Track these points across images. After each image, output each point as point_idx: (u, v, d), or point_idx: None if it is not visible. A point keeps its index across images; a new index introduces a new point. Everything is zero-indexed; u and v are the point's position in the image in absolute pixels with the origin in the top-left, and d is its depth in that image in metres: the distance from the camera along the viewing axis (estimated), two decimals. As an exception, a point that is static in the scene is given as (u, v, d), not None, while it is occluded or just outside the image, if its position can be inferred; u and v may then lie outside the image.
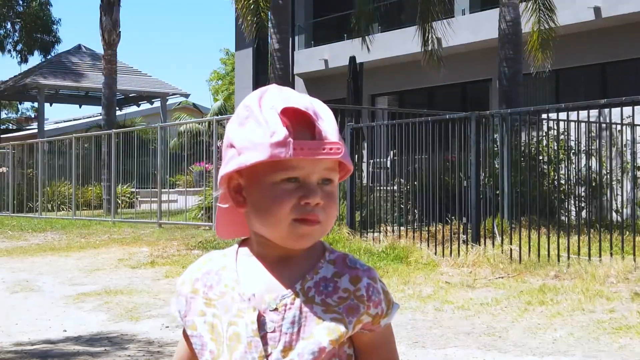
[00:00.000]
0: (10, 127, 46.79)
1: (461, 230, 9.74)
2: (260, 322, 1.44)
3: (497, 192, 10.58)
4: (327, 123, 1.44)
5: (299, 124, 1.40)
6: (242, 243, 1.56)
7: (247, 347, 1.44)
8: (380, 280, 1.51)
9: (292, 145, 1.38)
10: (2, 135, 34.95)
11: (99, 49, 25.79)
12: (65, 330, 6.44)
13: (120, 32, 22.40)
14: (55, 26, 39.33)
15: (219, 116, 17.60)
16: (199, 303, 1.52)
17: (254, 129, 1.41)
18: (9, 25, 38.72)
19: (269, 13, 16.12)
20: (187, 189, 16.97)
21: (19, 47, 38.94)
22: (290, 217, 1.42)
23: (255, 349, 1.43)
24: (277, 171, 1.41)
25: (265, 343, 1.44)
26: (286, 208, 1.41)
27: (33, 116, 47.50)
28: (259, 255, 1.51)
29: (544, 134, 10.89)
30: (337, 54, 23.44)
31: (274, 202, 1.42)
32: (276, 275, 1.48)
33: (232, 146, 1.45)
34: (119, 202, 18.89)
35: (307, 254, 1.49)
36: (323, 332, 1.43)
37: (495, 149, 10.94)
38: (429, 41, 17.44)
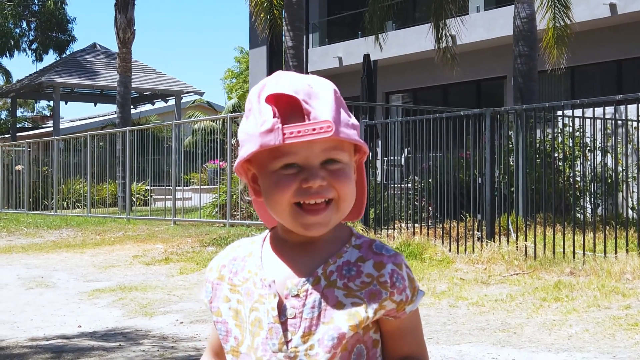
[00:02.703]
0: (26, 126, 47.02)
1: (476, 227, 9.70)
2: (281, 309, 1.44)
3: (512, 189, 10.53)
4: (322, 102, 1.42)
5: (291, 109, 1.40)
6: (272, 230, 1.56)
7: (268, 333, 1.44)
8: (406, 266, 1.49)
9: (282, 131, 1.37)
10: (17, 134, 35.12)
11: (113, 47, 25.92)
12: (80, 326, 6.47)
13: (134, 30, 22.45)
14: (70, 25, 39.47)
15: (233, 114, 17.60)
16: (225, 289, 1.53)
17: (251, 121, 1.43)
18: (24, 24, 38.91)
19: (283, 11, 16.12)
20: (202, 187, 16.99)
21: (34, 46, 39.14)
22: (292, 201, 1.41)
23: (276, 335, 1.43)
24: (275, 158, 1.41)
25: (285, 329, 1.43)
26: (287, 193, 1.41)
27: (49, 114, 47.71)
28: (283, 241, 1.51)
29: (559, 131, 10.83)
30: (351, 52, 23.42)
31: (276, 188, 1.42)
32: (298, 261, 1.47)
33: (238, 140, 1.49)
34: (134, 199, 18.93)
35: (332, 238, 1.48)
36: (343, 317, 1.42)
37: (510, 145, 10.89)
38: (443, 38, 17.39)
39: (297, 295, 1.44)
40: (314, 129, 1.38)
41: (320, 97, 1.42)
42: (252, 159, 1.45)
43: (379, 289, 1.43)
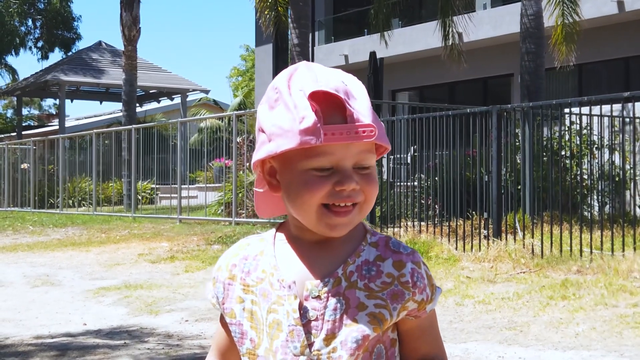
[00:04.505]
0: (32, 124, 47.11)
1: (482, 225, 9.66)
2: (302, 310, 1.40)
3: (519, 187, 10.48)
4: (360, 102, 1.37)
5: (329, 106, 1.35)
6: (280, 227, 1.51)
7: (289, 336, 1.40)
8: (423, 263, 1.46)
9: (322, 131, 1.32)
10: (23, 132, 35.18)
11: (119, 45, 25.88)
12: (85, 324, 6.46)
13: (140, 28, 22.46)
14: (75, 23, 39.50)
15: (238, 111, 17.59)
16: (237, 289, 1.48)
17: (283, 114, 1.36)
18: (30, 22, 38.96)
19: (289, 8, 16.08)
20: (207, 185, 16.98)
21: (39, 44, 39.16)
22: (320, 202, 1.37)
23: (298, 338, 1.39)
24: (309, 158, 1.35)
25: (307, 331, 1.39)
26: (318, 195, 1.36)
27: (54, 113, 47.79)
28: (297, 239, 1.46)
29: (567, 129, 10.78)
30: (357, 50, 23.37)
31: (306, 189, 1.37)
32: (316, 261, 1.43)
33: (262, 131, 1.41)
34: (139, 198, 18.93)
35: (347, 236, 1.43)
36: (366, 319, 1.38)
37: (517, 143, 10.84)
38: (450, 35, 17.33)
39: (317, 297, 1.40)
40: (356, 132, 1.34)
41: (357, 96, 1.38)
42: (277, 154, 1.39)
43: (401, 289, 1.41)
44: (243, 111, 17.20)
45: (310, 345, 1.39)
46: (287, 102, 1.36)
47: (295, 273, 1.42)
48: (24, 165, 22.59)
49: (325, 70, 1.41)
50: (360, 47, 22.87)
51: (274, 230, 1.52)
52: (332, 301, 1.39)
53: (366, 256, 1.43)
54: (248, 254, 1.49)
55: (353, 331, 1.38)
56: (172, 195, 17.12)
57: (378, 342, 1.42)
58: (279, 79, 1.41)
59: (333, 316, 1.39)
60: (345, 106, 1.34)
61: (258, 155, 1.41)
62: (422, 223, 10.72)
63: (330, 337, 1.38)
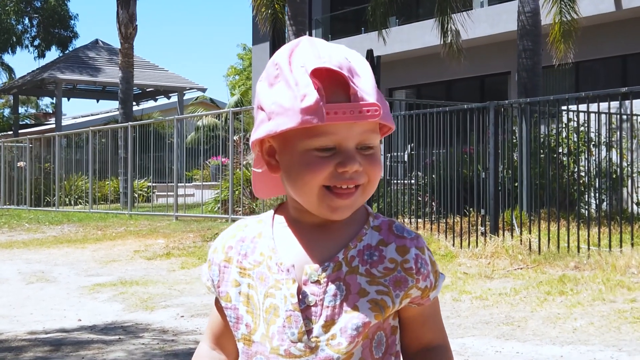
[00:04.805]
0: (29, 123, 47.05)
1: (479, 222, 9.63)
2: (300, 295, 1.34)
3: (516, 184, 10.45)
4: (364, 80, 1.32)
5: (332, 83, 1.29)
6: (279, 208, 1.46)
7: (286, 322, 1.34)
8: (427, 248, 1.41)
9: (325, 110, 1.26)
10: (20, 131, 35.12)
11: (116, 43, 25.86)
12: (80, 320, 6.42)
13: (137, 25, 22.41)
14: (72, 21, 39.51)
15: (235, 108, 17.56)
16: (233, 272, 1.42)
17: (284, 92, 1.30)
18: (26, 21, 38.93)
19: (285, 6, 16.05)
20: (204, 183, 16.95)
21: (36, 43, 39.14)
22: (322, 184, 1.31)
23: (295, 324, 1.34)
24: (310, 137, 1.30)
25: (305, 317, 1.34)
26: (320, 176, 1.31)
27: (51, 112, 47.75)
28: (297, 222, 1.40)
29: (564, 126, 10.75)
30: (354, 48, 22.61)
31: (307, 169, 1.31)
32: (316, 244, 1.38)
33: (261, 109, 1.35)
34: (136, 196, 18.88)
35: (348, 219, 1.38)
36: (367, 305, 1.33)
37: (514, 140, 10.81)
38: (448, 32, 17.29)
39: (317, 282, 1.34)
40: (360, 112, 1.28)
41: (360, 74, 1.32)
42: (276, 134, 1.33)
43: (404, 276, 1.35)
44: (239, 108, 17.15)
45: (308, 331, 1.33)
46: (288, 79, 1.30)
47: (294, 256, 1.37)
48: (21, 164, 22.53)
49: (328, 46, 1.36)
50: (357, 45, 22.80)
51: (272, 211, 1.46)
52: (332, 286, 1.34)
53: (368, 240, 1.38)
54: (245, 236, 1.44)
55: (353, 318, 1.33)
56: (169, 193, 17.08)
57: (378, 329, 1.37)
58: (279, 55, 1.36)
59: (333, 302, 1.34)
60: (348, 84, 1.29)
61: (257, 134, 1.36)
62: (420, 220, 10.69)
63: (329, 323, 1.33)
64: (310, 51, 1.33)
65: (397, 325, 1.42)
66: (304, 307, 1.34)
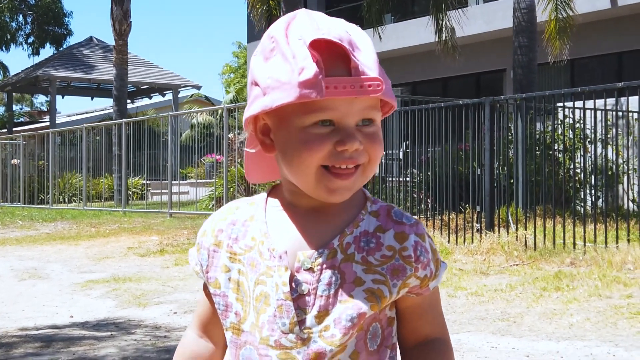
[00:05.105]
0: (24, 121, 46.93)
1: (475, 218, 9.59)
2: (293, 283, 1.27)
3: (512, 180, 10.42)
4: (365, 54, 1.25)
5: (332, 57, 1.22)
6: (273, 191, 1.38)
7: (277, 311, 1.27)
8: (428, 235, 1.34)
9: (324, 84, 1.19)
10: (14, 129, 35.02)
11: (110, 41, 25.77)
12: (72, 316, 6.36)
13: (131, 22, 22.33)
14: (67, 18, 39.39)
15: (230, 104, 17.50)
16: (223, 257, 1.35)
17: (280, 65, 1.23)
18: (21, 18, 38.80)
19: (280, 2, 15.99)
20: (199, 181, 16.90)
21: (30, 40, 39.02)
22: (320, 164, 1.24)
23: (287, 314, 1.27)
24: (308, 113, 1.23)
25: (297, 307, 1.27)
26: (318, 155, 1.23)
27: (46, 110, 47.63)
28: (291, 205, 1.33)
29: (559, 122, 10.71)
30: (349, 45, 23.23)
31: (304, 147, 1.24)
32: (310, 229, 1.30)
33: (256, 84, 1.28)
34: (130, 193, 18.80)
35: (345, 203, 1.31)
36: (363, 295, 1.26)
37: (510, 137, 10.77)
38: (443, 29, 17.23)
39: (310, 269, 1.27)
40: (361, 86, 1.21)
41: (361, 48, 1.25)
42: (272, 110, 1.26)
43: (402, 264, 1.28)
44: (234, 104, 17.09)
45: (300, 322, 1.27)
46: (285, 51, 1.23)
47: (287, 242, 1.30)
48: (14, 161, 22.44)
49: (327, 19, 1.29)
50: (352, 43, 22.78)
51: (265, 193, 1.39)
52: (326, 275, 1.27)
53: (365, 226, 1.31)
54: (236, 219, 1.36)
55: (348, 308, 1.26)
56: (163, 191, 17.01)
57: (374, 320, 1.30)
58: (275, 27, 1.29)
59: (327, 291, 1.26)
60: (349, 57, 1.22)
61: (251, 110, 1.28)
62: (415, 217, 10.64)
63: (322, 314, 1.26)
64: (308, 23, 1.26)
65: (394, 317, 1.35)
66: (296, 296, 1.27)
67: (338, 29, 1.25)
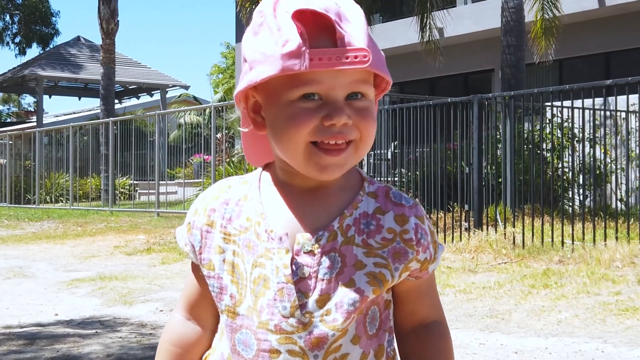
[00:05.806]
0: (11, 121, 46.72)
1: (463, 217, 9.57)
2: (293, 266, 1.24)
3: (500, 179, 10.40)
4: (354, 26, 1.20)
5: (319, 29, 1.18)
6: (265, 169, 1.34)
7: (278, 294, 1.23)
8: (426, 217, 1.31)
9: (308, 55, 1.16)
10: (0, 128, 34.84)
11: (98, 40, 25.65)
12: (57, 314, 6.29)
13: (118, 21, 22.22)
14: (54, 18, 39.25)
15: (218, 103, 17.44)
16: (217, 238, 1.30)
17: (266, 38, 1.20)
18: (7, 17, 38.61)
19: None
20: (187, 181, 16.83)
21: (17, 39, 38.85)
22: (308, 140, 1.20)
23: (288, 297, 1.23)
24: (293, 87, 1.19)
25: (298, 290, 1.23)
26: (305, 130, 1.19)
27: (33, 110, 47.43)
28: (286, 185, 1.29)
29: (548, 121, 10.71)
30: (338, 45, 23.21)
31: (291, 122, 1.20)
32: (308, 210, 1.26)
33: (245, 60, 1.25)
34: (118, 193, 18.70)
35: (342, 183, 1.28)
36: (365, 279, 1.23)
37: (498, 136, 10.76)
38: (427, 28, 17.16)
39: (310, 252, 1.24)
40: (347, 57, 1.17)
41: (351, 19, 1.21)
42: (260, 85, 1.22)
43: (404, 247, 1.26)
44: (222, 103, 17.03)
45: (301, 306, 1.23)
46: (271, 25, 1.20)
47: (285, 223, 1.26)
48: (1, 161, 22.30)
49: None
50: (341, 43, 22.76)
51: (258, 172, 1.34)
52: (327, 258, 1.24)
53: (364, 208, 1.27)
54: (229, 198, 1.32)
55: (350, 292, 1.22)
56: (151, 191, 16.93)
57: (372, 303, 1.27)
58: (265, 2, 1.25)
59: (328, 275, 1.23)
60: (335, 28, 1.18)
61: (239, 86, 1.25)
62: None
63: (324, 297, 1.22)
64: None
65: (391, 300, 1.32)
66: (297, 279, 1.23)
67: (326, 0, 1.21)
